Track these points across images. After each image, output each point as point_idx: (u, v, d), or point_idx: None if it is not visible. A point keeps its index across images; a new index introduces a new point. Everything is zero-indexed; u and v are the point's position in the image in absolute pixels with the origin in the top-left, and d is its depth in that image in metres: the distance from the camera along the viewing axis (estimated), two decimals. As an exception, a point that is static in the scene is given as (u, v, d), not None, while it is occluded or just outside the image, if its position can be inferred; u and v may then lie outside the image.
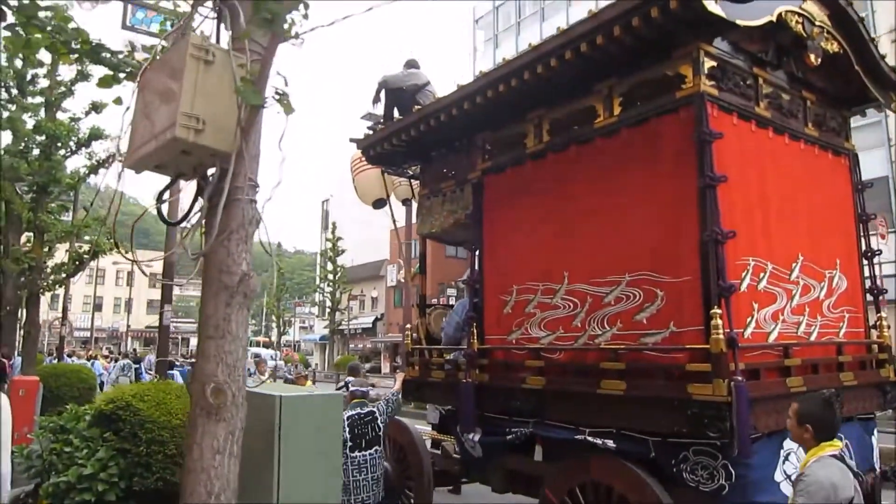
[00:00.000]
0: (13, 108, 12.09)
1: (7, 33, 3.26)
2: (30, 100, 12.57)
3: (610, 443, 4.36)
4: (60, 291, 18.30)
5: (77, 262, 13.29)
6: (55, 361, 18.05)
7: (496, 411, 5.36)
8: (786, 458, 4.09)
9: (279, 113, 2.74)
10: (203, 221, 2.78)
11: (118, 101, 3.08)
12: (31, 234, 12.75)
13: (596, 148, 4.90)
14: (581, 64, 4.55)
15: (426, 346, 6.75)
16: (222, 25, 2.95)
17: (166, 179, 3.08)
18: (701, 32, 4.23)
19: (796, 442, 3.44)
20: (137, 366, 22.35)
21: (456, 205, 6.29)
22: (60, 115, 12.91)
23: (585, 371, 4.72)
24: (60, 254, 13.98)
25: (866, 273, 5.46)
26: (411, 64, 8.06)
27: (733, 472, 3.79)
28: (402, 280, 33.66)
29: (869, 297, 5.44)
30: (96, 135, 12.86)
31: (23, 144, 12.12)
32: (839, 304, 5.10)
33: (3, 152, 11.90)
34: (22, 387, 9.04)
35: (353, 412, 5.30)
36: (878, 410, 5.06)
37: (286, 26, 2.63)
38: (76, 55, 3.38)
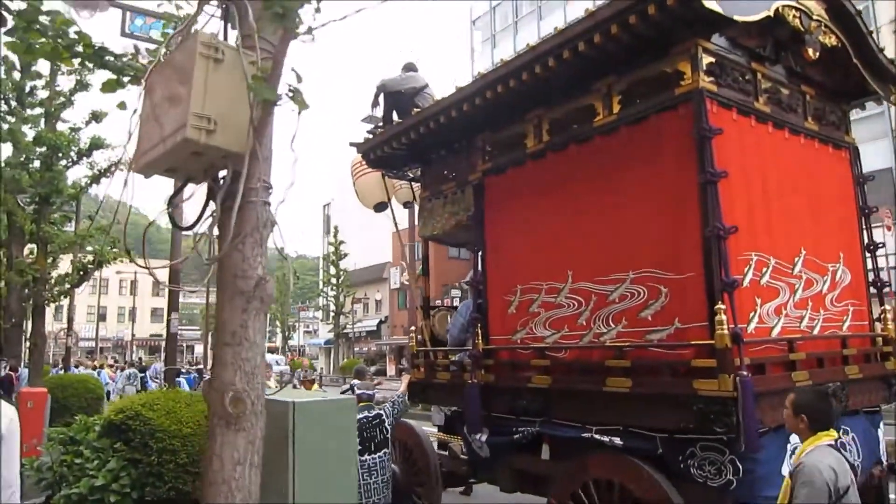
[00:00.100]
0: (13, 119, 12.11)
1: (8, 39, 3.23)
2: (29, 111, 12.59)
3: (617, 440, 4.37)
4: (65, 303, 18.32)
5: (81, 273, 13.29)
6: (62, 372, 18.08)
7: (502, 411, 5.37)
8: (793, 452, 4.08)
9: (293, 111, 2.65)
10: (215, 226, 2.70)
11: (122, 105, 3.03)
12: (35, 245, 12.75)
13: (596, 146, 4.91)
14: (579, 63, 4.56)
15: (431, 348, 6.76)
16: (229, 25, 2.87)
17: (170, 187, 3.02)
18: (699, 29, 4.24)
19: (792, 431, 3.47)
20: (143, 374, 22.42)
21: (457, 206, 6.31)
22: (60, 126, 12.92)
23: (591, 369, 4.73)
24: (64, 265, 14.00)
25: (869, 266, 5.47)
26: (409, 67, 8.07)
27: (741, 467, 3.80)
28: (406, 282, 33.69)
29: (873, 290, 5.44)
30: (97, 144, 12.86)
31: (24, 156, 12.13)
32: (843, 298, 5.10)
33: (3, 164, 11.94)
34: (30, 398, 9.01)
35: (361, 415, 5.31)
36: (883, 403, 5.07)
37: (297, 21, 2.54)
38: (79, 59, 3.30)
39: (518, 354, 5.45)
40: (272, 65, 2.59)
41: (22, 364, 14.77)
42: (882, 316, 5.30)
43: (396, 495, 5.71)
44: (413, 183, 7.62)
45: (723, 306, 3.85)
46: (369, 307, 48.55)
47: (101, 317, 47.25)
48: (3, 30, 3.14)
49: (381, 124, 7.59)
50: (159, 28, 9.53)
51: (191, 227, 2.78)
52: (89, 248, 14.07)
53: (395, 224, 8.24)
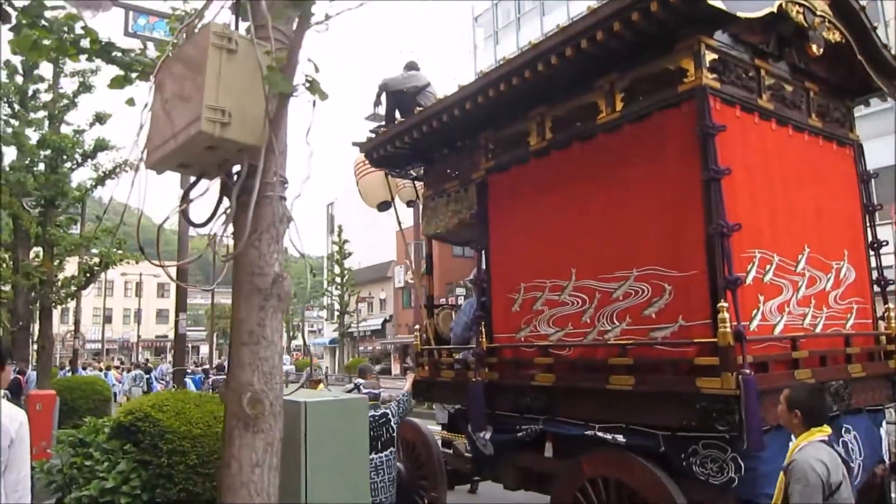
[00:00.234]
0: (17, 123, 12.15)
1: (11, 35, 3.17)
2: (32, 115, 12.63)
3: (620, 438, 4.37)
4: (71, 305, 18.37)
5: (88, 275, 13.34)
6: (69, 374, 18.16)
7: (506, 409, 5.38)
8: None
9: (309, 101, 2.58)
10: (229, 223, 2.62)
11: (131, 102, 2.97)
12: (41, 248, 12.80)
13: (599, 144, 4.91)
14: (582, 60, 4.56)
15: (435, 347, 6.77)
16: (239, 18, 2.81)
17: (177, 188, 2.98)
18: (702, 26, 4.23)
19: (786, 427, 3.48)
20: (148, 375, 22.50)
21: (460, 205, 6.31)
22: (64, 129, 12.96)
23: (594, 367, 4.73)
24: (71, 267, 14.04)
25: (874, 264, 5.45)
26: (411, 66, 8.08)
27: (743, 465, 3.80)
28: (410, 281, 33.71)
29: (877, 288, 5.42)
30: (102, 146, 12.91)
31: (28, 159, 12.17)
32: (847, 296, 5.09)
33: (8, 168, 11.98)
34: (38, 401, 9.00)
35: (368, 414, 5.32)
36: (886, 402, 5.05)
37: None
38: (86, 55, 3.23)
39: (522, 352, 5.45)
40: (287, 54, 2.52)
41: (30, 367, 14.81)
42: (886, 314, 5.28)
43: (401, 494, 5.72)
44: (416, 182, 7.62)
45: (725, 304, 3.84)
46: (374, 306, 48.59)
47: (107, 319, 47.37)
48: (7, 27, 3.09)
49: (383, 123, 7.60)
50: (163, 27, 9.53)
51: (204, 225, 2.70)
52: (95, 251, 14.11)
53: (399, 223, 8.25)
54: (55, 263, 12.88)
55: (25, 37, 3.09)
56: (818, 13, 4.76)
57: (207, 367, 19.71)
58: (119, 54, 3.17)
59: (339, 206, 51.85)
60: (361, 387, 6.43)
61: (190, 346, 53.83)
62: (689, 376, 4.03)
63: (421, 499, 6.37)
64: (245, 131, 2.48)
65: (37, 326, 13.63)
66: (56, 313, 13.36)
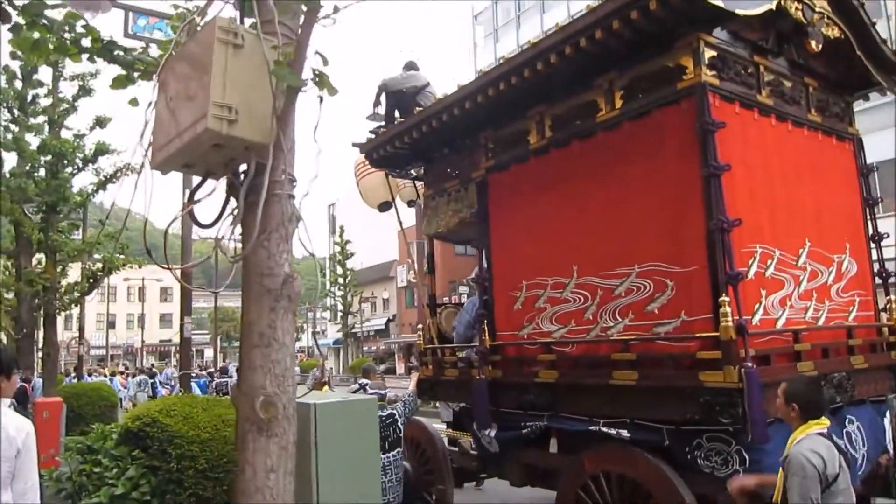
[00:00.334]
0: (16, 129, 12.15)
1: (11, 35, 3.06)
2: (32, 120, 12.62)
3: (624, 432, 4.40)
4: (74, 312, 18.35)
5: (91, 280, 13.34)
6: (75, 381, 18.20)
7: (510, 406, 5.40)
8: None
9: (316, 97, 2.50)
10: (237, 223, 2.55)
11: (134, 102, 2.92)
12: (43, 254, 12.80)
13: (599, 142, 4.93)
14: (581, 59, 4.58)
15: (438, 346, 6.80)
16: (243, 13, 2.73)
17: (178, 192, 2.94)
18: (700, 23, 4.25)
19: (785, 420, 3.49)
20: (153, 380, 22.55)
21: (461, 204, 6.34)
22: (65, 133, 12.95)
23: (598, 363, 4.76)
24: (74, 273, 14.05)
25: (875, 256, 5.47)
26: (410, 66, 8.10)
27: (747, 458, 3.82)
28: (413, 280, 33.73)
29: (878, 281, 5.44)
30: (102, 150, 12.87)
31: (29, 165, 12.17)
32: (849, 288, 5.11)
33: (9, 174, 11.98)
34: (45, 409, 8.99)
35: (377, 415, 5.34)
36: (890, 393, 5.06)
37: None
38: (87, 54, 3.17)
39: (525, 350, 5.48)
40: (296, 48, 2.44)
41: (35, 374, 14.84)
42: (888, 306, 5.30)
43: (408, 493, 5.76)
44: (417, 181, 7.65)
45: (727, 298, 3.87)
46: (377, 306, 48.64)
47: (111, 324, 47.46)
48: (7, 27, 3.04)
49: (383, 123, 7.63)
50: (163, 28, 9.51)
51: (211, 226, 2.64)
52: (97, 256, 14.12)
53: (400, 223, 8.27)
54: (58, 269, 12.87)
55: (25, 38, 3.05)
56: (817, 10, 4.78)
57: (213, 370, 19.74)
58: (121, 53, 3.12)
59: (340, 207, 51.90)
60: (367, 387, 6.45)
61: (194, 349, 53.89)
62: (692, 370, 4.06)
63: (428, 496, 6.40)
64: (252, 128, 2.41)
65: (41, 334, 13.63)
66: (60, 320, 13.37)
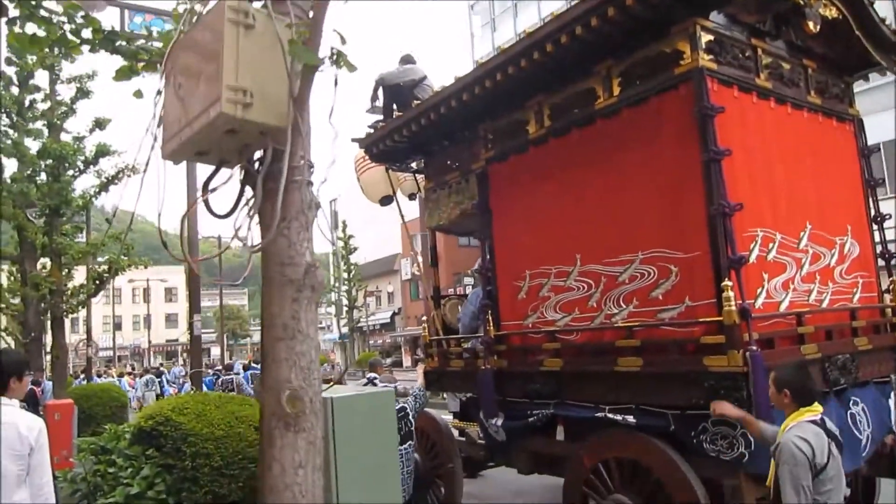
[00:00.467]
0: (15, 134, 12.15)
1: (9, 30, 3.00)
2: (31, 125, 12.62)
3: (630, 418, 4.42)
4: (81, 314, 18.37)
5: (97, 282, 13.38)
6: (84, 382, 18.30)
7: (516, 395, 5.43)
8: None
9: (334, 76, 2.39)
10: (253, 212, 2.43)
11: (139, 94, 2.84)
12: (48, 259, 12.83)
13: (598, 130, 4.93)
14: (577, 47, 4.57)
15: (444, 337, 6.82)
16: None
17: (182, 192, 2.82)
18: (697, 7, 4.25)
19: (778, 408, 3.49)
20: (160, 379, 22.64)
21: (462, 196, 6.35)
22: (64, 136, 12.95)
23: (602, 350, 4.78)
24: (79, 276, 14.09)
25: (877, 238, 5.46)
26: (407, 59, 8.08)
27: (752, 441, 3.83)
28: (417, 273, 33.75)
29: (881, 262, 5.44)
30: (103, 151, 12.86)
31: (30, 169, 12.18)
32: (852, 270, 5.11)
33: (10, 180, 11.99)
34: (56, 411, 8.99)
35: (395, 408, 5.37)
36: (894, 373, 5.07)
37: None
38: (88, 46, 3.06)
39: (529, 339, 5.50)
40: (312, 26, 2.32)
41: (44, 377, 14.91)
42: (891, 287, 5.30)
43: (418, 485, 5.79)
44: (417, 174, 7.65)
45: (730, 283, 3.88)
46: (382, 300, 48.71)
47: (117, 326, 47.65)
48: (4, 20, 2.97)
49: (382, 118, 7.62)
50: (160, 25, 9.47)
51: (228, 216, 2.52)
52: (101, 259, 14.15)
53: (402, 216, 8.28)
54: (64, 272, 12.90)
55: (23, 32, 2.98)
56: (814, -11, 4.76)
57: (219, 368, 19.84)
58: (124, 44, 3.03)
59: (342, 202, 51.90)
60: (376, 380, 6.48)
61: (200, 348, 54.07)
62: (697, 355, 4.08)
63: (437, 489, 6.43)
64: (268, 112, 2.30)
65: (48, 337, 13.69)
66: (66, 323, 13.43)
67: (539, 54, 4.76)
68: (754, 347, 3.78)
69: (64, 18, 3.04)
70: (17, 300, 13.58)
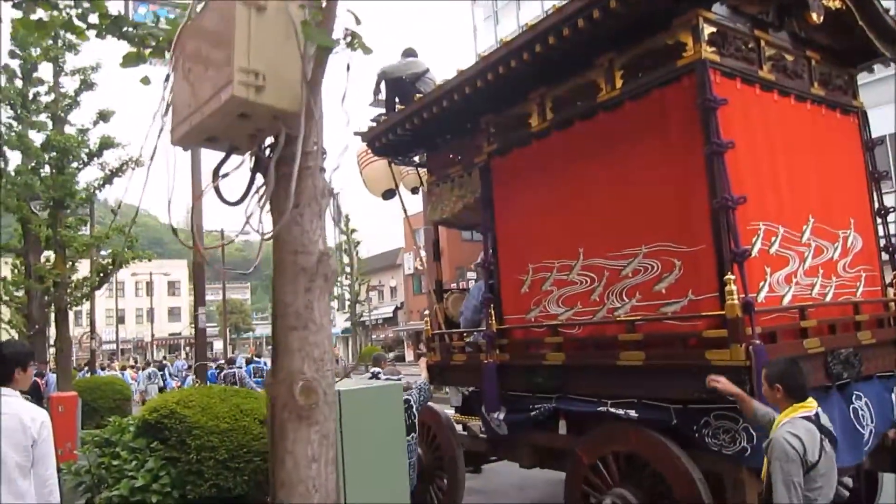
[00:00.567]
0: (19, 126, 12.15)
1: (16, 14, 2.94)
2: (34, 117, 12.62)
3: (632, 412, 4.42)
4: (84, 307, 18.37)
5: (101, 275, 13.40)
6: (88, 375, 18.35)
7: (519, 389, 5.43)
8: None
9: (351, 56, 2.34)
10: (264, 199, 2.39)
11: (146, 80, 2.81)
12: (52, 251, 12.84)
13: (600, 122, 4.91)
14: (579, 40, 4.55)
15: (446, 331, 6.82)
16: None
17: (186, 188, 2.71)
18: (699, -1, 4.22)
19: (771, 403, 3.46)
20: (162, 372, 22.70)
21: (465, 189, 6.33)
22: (68, 129, 12.95)
23: (605, 344, 4.78)
24: (83, 268, 14.11)
25: (881, 231, 5.44)
26: (409, 53, 8.06)
27: (755, 435, 3.83)
28: (420, 267, 33.77)
29: (885, 256, 5.41)
30: (107, 144, 12.84)
31: (34, 161, 12.19)
32: (855, 264, 5.09)
33: (14, 172, 12.00)
34: (60, 403, 8.97)
35: (403, 402, 5.37)
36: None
37: None
38: (95, 31, 3.01)
39: (532, 333, 5.50)
40: (325, 6, 2.28)
41: (48, 369, 14.95)
42: (895, 281, 5.27)
43: (420, 477, 5.80)
44: (420, 168, 7.64)
45: (733, 276, 3.87)
46: (384, 294, 48.76)
47: (120, 319, 47.70)
48: (10, 4, 2.94)
49: (384, 111, 7.61)
50: (165, 15, 9.42)
51: (238, 203, 2.48)
52: (104, 253, 14.15)
53: (405, 210, 8.27)
54: (68, 265, 12.93)
55: (28, 19, 2.93)
56: (817, -19, 4.72)
57: (222, 362, 19.86)
58: (131, 29, 2.98)
59: (343, 197, 51.91)
60: (380, 374, 6.49)
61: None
62: (699, 349, 4.07)
63: (439, 480, 6.44)
64: (281, 95, 2.25)
65: (52, 330, 13.73)
66: (70, 316, 13.46)
67: (541, 47, 4.74)
68: (757, 341, 3.77)
69: (70, 2, 2.99)
70: (20, 293, 13.60)
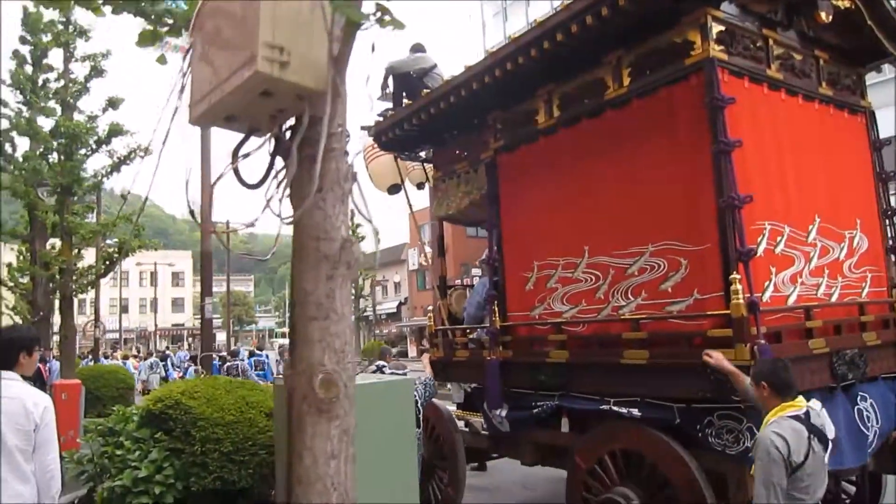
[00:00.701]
0: (28, 111, 12.18)
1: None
2: (44, 104, 12.62)
3: (635, 411, 4.41)
4: (87, 296, 18.42)
5: (107, 263, 13.43)
6: (91, 363, 18.44)
7: (522, 386, 5.43)
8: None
9: (378, 33, 2.23)
10: (286, 182, 2.30)
11: (162, 59, 2.77)
12: (58, 238, 12.87)
13: (607, 120, 4.90)
14: (588, 37, 4.53)
15: (449, 327, 6.82)
16: None
17: (185, 182, 2.66)
18: (707, -3, 4.20)
19: (760, 404, 3.45)
20: (164, 362, 22.76)
21: (471, 185, 6.33)
22: (77, 116, 12.95)
23: (609, 342, 4.77)
24: (89, 256, 14.13)
25: (887, 232, 5.41)
26: (417, 48, 8.04)
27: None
28: (424, 263, 33.76)
29: (892, 256, 5.39)
30: (116, 131, 12.82)
31: (42, 147, 12.20)
32: (861, 264, 5.07)
33: (22, 158, 12.03)
34: (64, 391, 8.97)
35: (413, 398, 5.37)
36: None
37: None
38: (111, 7, 2.93)
39: (536, 330, 5.50)
40: None
41: (51, 356, 15.01)
42: (901, 281, 5.26)
43: (422, 474, 5.80)
44: (426, 164, 7.64)
45: (738, 276, 3.86)
46: (388, 289, 48.79)
47: (124, 308, 47.87)
48: None
49: (391, 106, 7.60)
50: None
51: (258, 185, 2.41)
52: (110, 241, 14.18)
53: (410, 205, 8.27)
54: (74, 252, 12.93)
55: None
56: (826, -21, 4.70)
57: (224, 353, 19.91)
58: (148, 5, 2.88)
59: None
60: (385, 368, 6.49)
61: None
62: (704, 349, 4.04)
63: (440, 475, 6.45)
64: (306, 73, 2.15)
65: (56, 317, 13.76)
66: (74, 304, 13.50)
67: (549, 44, 4.73)
68: (762, 341, 3.76)
69: None
70: (25, 279, 13.62)
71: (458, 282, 10.48)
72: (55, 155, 12.37)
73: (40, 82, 12.73)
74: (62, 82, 12.88)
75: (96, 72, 12.97)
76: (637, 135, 4.67)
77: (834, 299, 4.72)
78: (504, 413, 5.51)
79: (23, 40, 12.66)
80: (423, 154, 7.48)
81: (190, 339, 58.98)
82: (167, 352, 30.41)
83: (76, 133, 12.14)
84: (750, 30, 4.51)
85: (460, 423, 6.56)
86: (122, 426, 5.23)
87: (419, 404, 5.48)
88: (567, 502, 4.87)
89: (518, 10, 36.75)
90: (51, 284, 12.60)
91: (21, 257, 14.83)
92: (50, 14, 12.64)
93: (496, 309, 5.71)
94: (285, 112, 2.30)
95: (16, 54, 12.58)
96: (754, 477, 3.16)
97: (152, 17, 2.83)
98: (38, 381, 12.20)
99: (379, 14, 2.17)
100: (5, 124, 12.12)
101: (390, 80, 7.84)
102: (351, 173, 2.30)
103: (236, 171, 2.40)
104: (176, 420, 4.81)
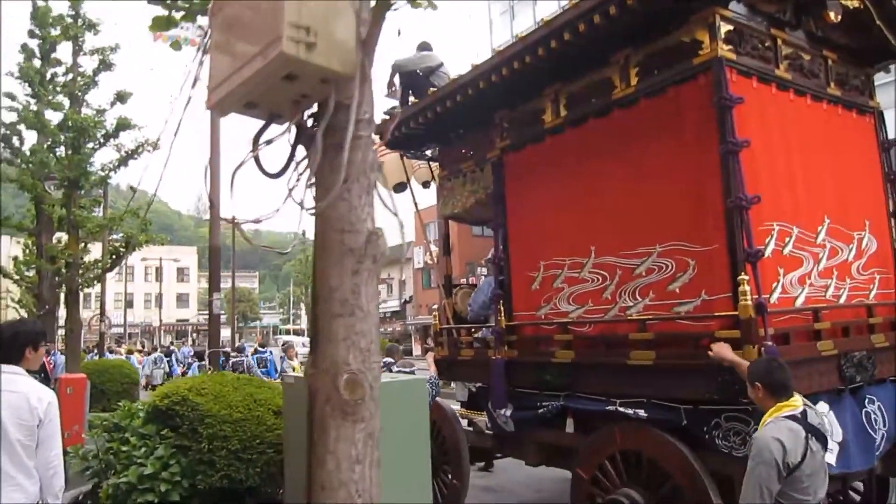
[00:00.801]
0: (37, 105, 12.19)
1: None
2: (52, 98, 12.64)
3: (641, 412, 4.40)
4: (92, 290, 18.44)
5: (114, 257, 13.44)
6: (96, 358, 18.49)
7: (527, 386, 5.42)
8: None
9: (409, 14, 2.18)
10: (310, 171, 2.20)
11: (176, 45, 2.74)
12: (65, 232, 12.88)
13: (615, 120, 4.88)
14: (595, 36, 4.52)
15: (454, 326, 6.81)
16: None
17: (189, 179, 2.53)
18: (716, -4, 4.18)
19: (757, 404, 3.41)
20: (168, 358, 22.80)
21: (477, 184, 6.32)
22: (85, 110, 12.95)
23: (615, 343, 4.75)
24: (95, 250, 14.16)
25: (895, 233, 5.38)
26: (424, 46, 8.03)
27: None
28: (429, 262, 33.73)
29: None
30: (124, 125, 12.84)
31: (50, 140, 12.21)
32: (870, 266, 5.04)
33: (30, 151, 12.04)
34: (69, 385, 8.91)
35: (427, 397, 5.36)
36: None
37: None
38: None
39: (542, 330, 5.48)
40: None
41: (55, 350, 15.04)
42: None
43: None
44: (431, 162, 7.62)
45: (746, 277, 3.84)
46: (393, 287, 48.79)
47: (129, 303, 47.99)
48: None
49: (397, 104, 7.59)
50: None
51: (279, 175, 2.30)
52: (116, 236, 14.21)
53: (416, 204, 8.26)
54: (80, 246, 12.93)
55: None
56: (835, -21, 4.67)
57: (227, 349, 19.89)
58: None
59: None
60: (393, 366, 6.48)
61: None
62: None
63: (444, 474, 6.45)
64: (332, 56, 2.02)
65: (62, 311, 13.78)
66: (79, 298, 13.52)
67: (556, 43, 4.71)
68: (770, 343, 3.74)
69: None
70: (31, 272, 13.65)
71: (463, 281, 10.47)
72: (63, 148, 12.38)
73: (48, 76, 12.76)
74: (70, 76, 12.91)
75: (105, 65, 13.00)
76: (645, 134, 4.65)
77: (842, 301, 4.69)
78: (509, 413, 5.50)
79: (31, 34, 12.67)
80: (428, 152, 7.46)
81: (194, 335, 59.13)
82: (171, 347, 30.47)
83: (84, 127, 12.16)
84: (758, 29, 4.48)
85: (464, 422, 6.56)
86: (128, 422, 5.19)
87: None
88: (572, 502, 4.86)
89: (526, 9, 36.64)
90: (57, 278, 12.63)
91: (27, 251, 14.86)
92: (59, 7, 12.71)
93: (502, 308, 5.69)
94: (309, 97, 2.19)
95: (24, 48, 12.60)
96: (746, 476, 3.12)
97: (167, 1, 2.72)
98: (42, 374, 12.21)
99: None
100: (13, 117, 12.13)
101: (396, 79, 7.83)
102: (376, 163, 2.20)
103: (257, 160, 2.29)
104: (183, 417, 4.75)
